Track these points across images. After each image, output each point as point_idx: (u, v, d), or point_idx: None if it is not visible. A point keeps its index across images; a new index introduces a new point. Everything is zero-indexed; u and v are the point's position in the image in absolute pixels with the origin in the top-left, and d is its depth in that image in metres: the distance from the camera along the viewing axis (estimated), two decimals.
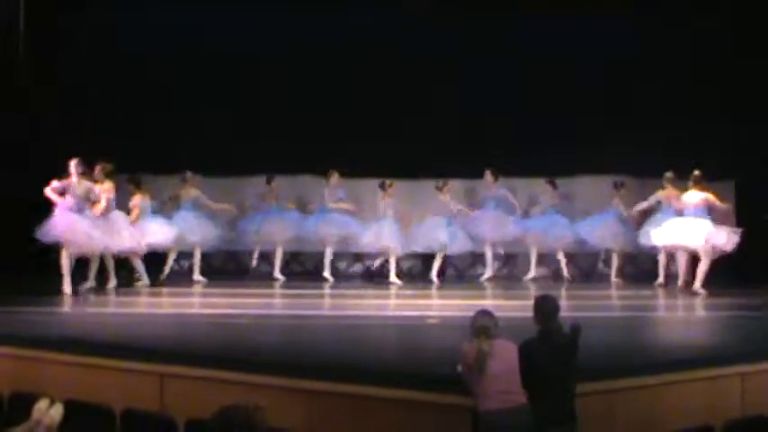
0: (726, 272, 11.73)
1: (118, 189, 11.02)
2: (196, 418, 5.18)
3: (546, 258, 13.07)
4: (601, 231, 12.38)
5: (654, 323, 9.53)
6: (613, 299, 11.44)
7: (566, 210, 12.73)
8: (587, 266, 13.34)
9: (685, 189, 11.03)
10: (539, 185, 12.83)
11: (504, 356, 5.41)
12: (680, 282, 11.05)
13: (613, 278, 12.51)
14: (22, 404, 4.99)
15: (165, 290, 11.32)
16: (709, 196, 10.79)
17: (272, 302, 10.99)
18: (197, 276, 12.01)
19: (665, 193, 11.60)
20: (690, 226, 10.79)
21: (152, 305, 10.46)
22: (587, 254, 13.13)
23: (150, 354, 6.89)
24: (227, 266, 13.42)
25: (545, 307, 5.65)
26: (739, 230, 10.73)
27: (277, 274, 12.42)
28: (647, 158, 11.97)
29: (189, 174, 12.04)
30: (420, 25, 12.95)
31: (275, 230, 12.33)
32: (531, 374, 5.42)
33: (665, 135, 12.17)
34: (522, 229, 12.57)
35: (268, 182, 12.46)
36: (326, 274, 12.31)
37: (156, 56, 12.76)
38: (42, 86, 12.10)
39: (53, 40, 12.63)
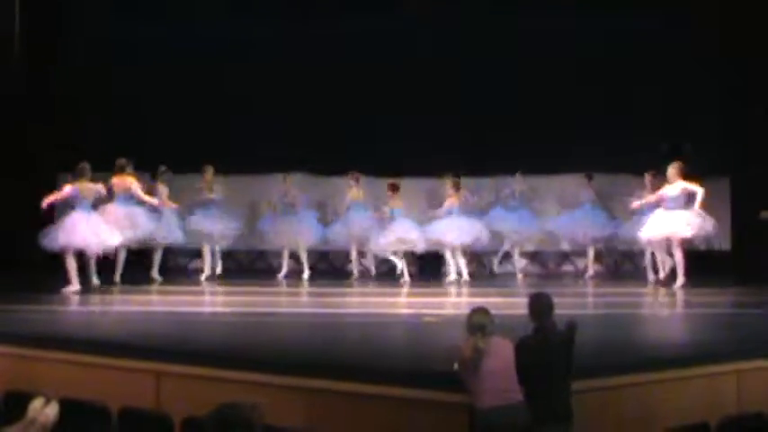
0: (722, 269, 11.74)
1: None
2: (193, 417, 5.17)
3: (538, 256, 13.11)
4: (579, 225, 12.41)
5: (650, 320, 9.51)
6: (608, 296, 11.41)
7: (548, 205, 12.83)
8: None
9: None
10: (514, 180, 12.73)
11: (500, 354, 5.43)
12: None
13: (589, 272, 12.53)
14: (17, 403, 4.97)
15: (161, 288, 11.32)
16: (687, 186, 10.81)
17: (270, 300, 10.95)
18: (204, 275, 12.02)
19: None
20: (676, 217, 10.82)
21: (148, 303, 10.43)
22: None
23: (147, 352, 6.90)
24: (225, 264, 13.41)
25: (539, 305, 5.67)
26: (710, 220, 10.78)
27: (282, 273, 12.41)
28: (647, 157, 11.95)
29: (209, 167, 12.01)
30: (420, 24, 12.96)
31: (296, 233, 12.30)
32: (527, 372, 5.43)
33: (663, 134, 12.15)
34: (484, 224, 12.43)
35: (284, 179, 12.43)
36: (355, 269, 12.59)
37: (154, 61, 12.80)
38: (38, 95, 12.13)
39: (49, 50, 12.66)
